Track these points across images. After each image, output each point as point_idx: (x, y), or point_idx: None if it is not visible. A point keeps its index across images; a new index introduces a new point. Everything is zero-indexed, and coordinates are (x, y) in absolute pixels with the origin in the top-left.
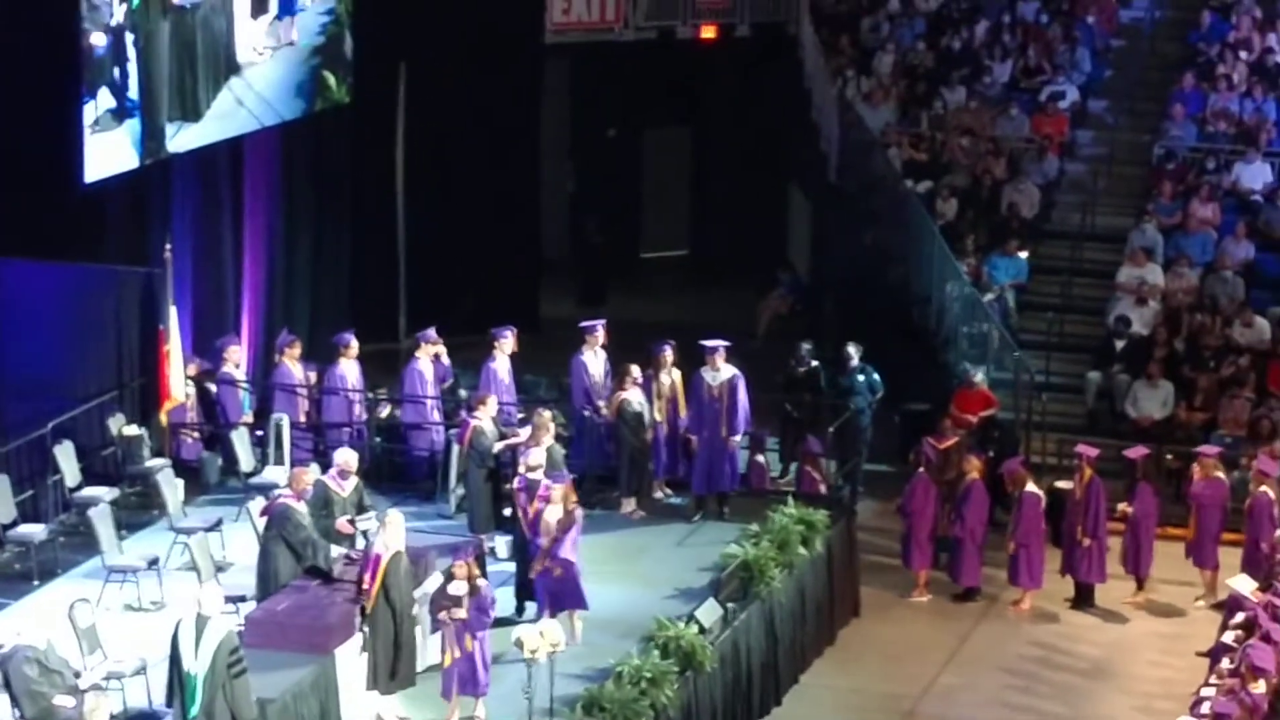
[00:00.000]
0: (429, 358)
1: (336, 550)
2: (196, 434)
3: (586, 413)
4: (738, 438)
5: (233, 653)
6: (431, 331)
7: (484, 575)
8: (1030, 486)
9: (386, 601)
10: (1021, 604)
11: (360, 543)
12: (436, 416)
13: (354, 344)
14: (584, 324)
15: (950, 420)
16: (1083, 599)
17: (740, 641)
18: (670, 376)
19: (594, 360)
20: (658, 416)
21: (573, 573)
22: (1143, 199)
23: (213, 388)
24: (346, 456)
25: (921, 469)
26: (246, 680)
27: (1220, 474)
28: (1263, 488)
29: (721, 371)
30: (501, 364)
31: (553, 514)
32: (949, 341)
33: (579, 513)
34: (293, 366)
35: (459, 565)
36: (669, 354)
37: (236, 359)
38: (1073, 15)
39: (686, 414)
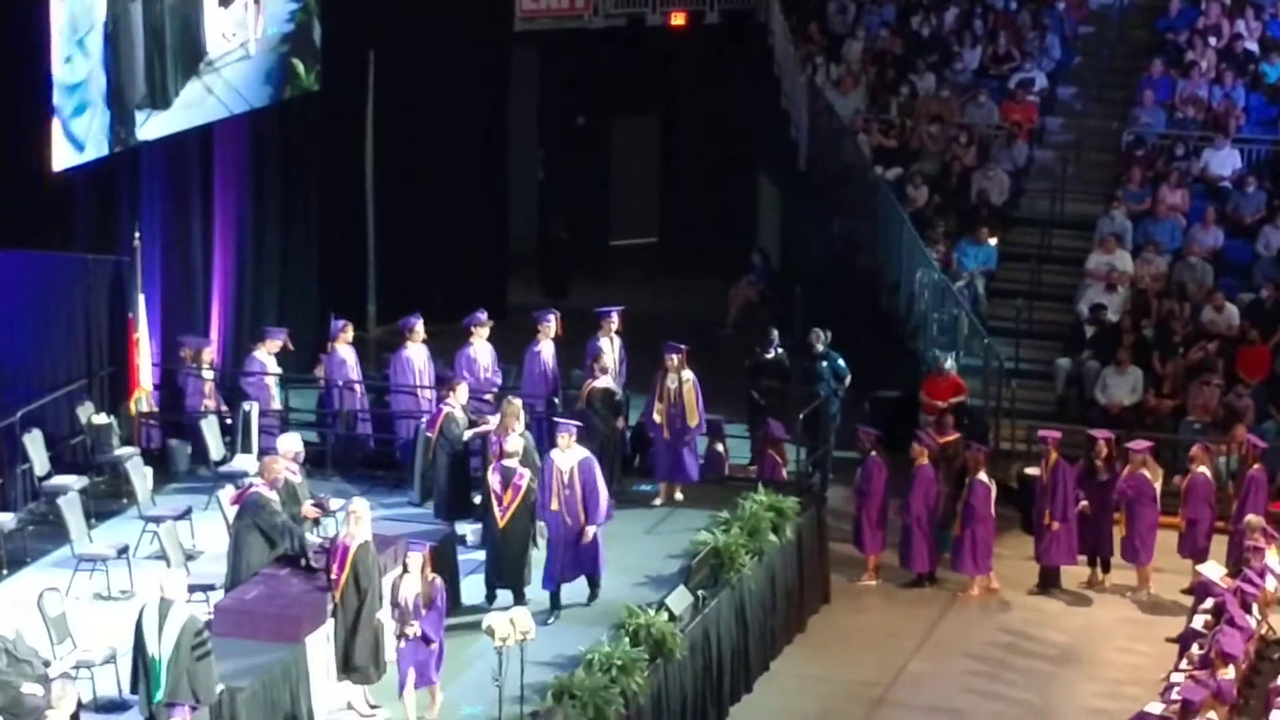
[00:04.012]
0: (483, 340)
1: (310, 537)
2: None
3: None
4: (594, 528)
5: (196, 635)
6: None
7: None
8: (981, 475)
9: (356, 591)
10: (972, 591)
11: (331, 527)
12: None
13: (419, 328)
14: (599, 310)
15: (947, 414)
16: (1048, 583)
17: (710, 629)
18: (679, 380)
19: (608, 347)
20: (657, 418)
21: (438, 647)
22: (1112, 185)
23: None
24: (293, 443)
25: (873, 452)
26: (210, 663)
27: (1147, 471)
28: (1201, 468)
29: (571, 453)
30: (546, 349)
31: (409, 586)
32: (919, 328)
33: (439, 583)
34: (346, 353)
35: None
36: (676, 357)
37: (274, 349)
38: (1041, 2)
39: (697, 418)
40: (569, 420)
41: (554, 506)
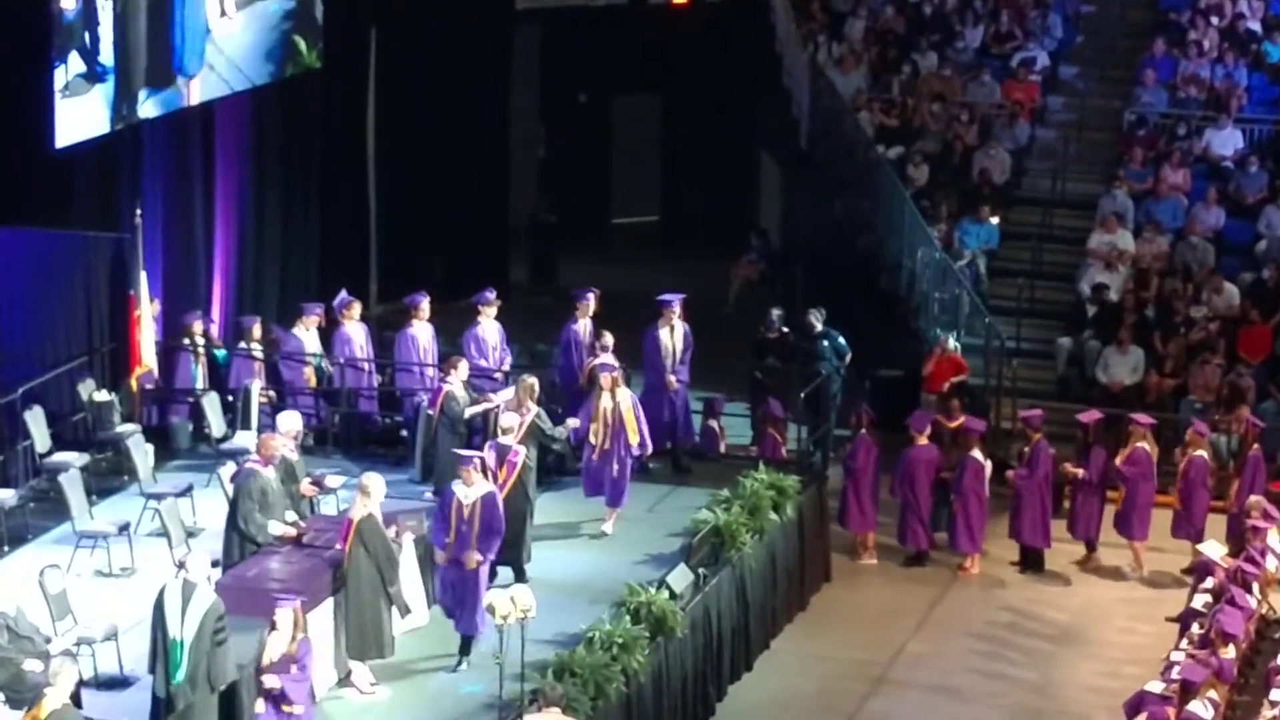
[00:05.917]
0: (490, 319)
1: (276, 527)
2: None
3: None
4: (486, 566)
5: (218, 620)
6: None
7: None
8: (975, 452)
9: (360, 565)
10: (970, 568)
11: (330, 504)
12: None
13: (425, 306)
14: (661, 298)
15: (952, 398)
16: (1030, 564)
17: (711, 607)
18: (614, 400)
19: (668, 336)
20: (592, 440)
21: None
22: (1113, 165)
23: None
24: (293, 422)
25: (864, 430)
26: (227, 649)
27: (1146, 445)
28: (1199, 451)
29: (475, 487)
30: (583, 326)
31: (276, 644)
32: (920, 307)
33: (308, 645)
34: (353, 330)
35: None
36: (611, 376)
37: (311, 324)
38: None
39: (638, 438)
40: (470, 452)
41: (449, 539)
